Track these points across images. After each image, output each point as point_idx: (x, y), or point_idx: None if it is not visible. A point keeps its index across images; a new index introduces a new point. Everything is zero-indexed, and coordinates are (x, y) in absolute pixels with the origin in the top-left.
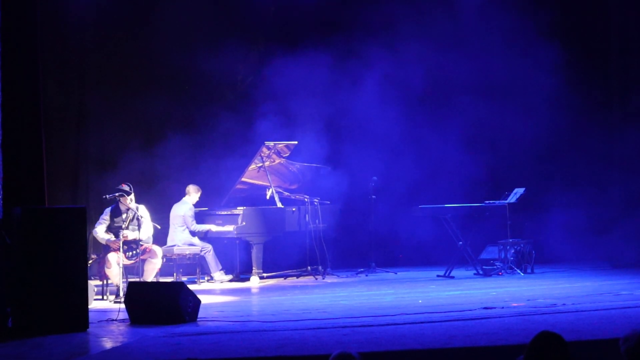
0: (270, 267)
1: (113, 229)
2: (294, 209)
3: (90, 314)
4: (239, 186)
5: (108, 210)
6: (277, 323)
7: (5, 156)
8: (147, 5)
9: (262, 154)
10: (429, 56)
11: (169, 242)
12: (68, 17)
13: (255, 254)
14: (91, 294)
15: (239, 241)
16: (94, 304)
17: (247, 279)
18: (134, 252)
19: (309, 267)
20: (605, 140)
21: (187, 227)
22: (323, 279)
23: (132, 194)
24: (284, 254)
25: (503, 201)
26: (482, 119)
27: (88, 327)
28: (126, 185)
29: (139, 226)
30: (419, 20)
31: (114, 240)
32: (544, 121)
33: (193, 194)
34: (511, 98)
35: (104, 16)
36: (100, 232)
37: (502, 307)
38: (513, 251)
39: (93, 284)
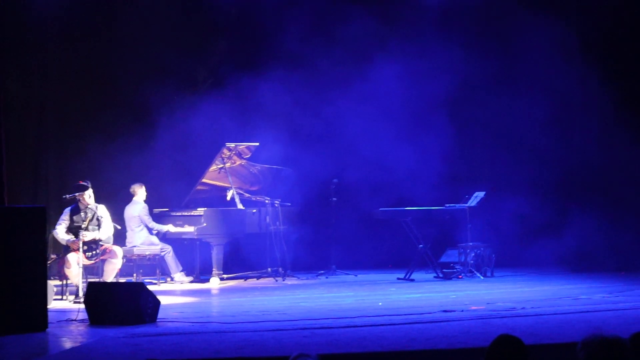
0: (231, 268)
1: (73, 228)
2: (254, 211)
3: (49, 314)
4: (199, 187)
5: (68, 210)
6: (236, 324)
7: None
8: (109, 1)
9: (223, 155)
10: (397, 58)
11: (128, 243)
12: (28, 12)
13: (216, 255)
14: (50, 294)
15: (199, 242)
16: (54, 304)
17: (207, 280)
18: (94, 252)
19: (269, 269)
20: (567, 143)
21: (146, 225)
22: (283, 280)
23: (90, 189)
24: (245, 256)
25: (463, 204)
26: (441, 120)
27: (47, 327)
28: (84, 182)
29: (99, 226)
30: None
31: (74, 241)
32: (510, 125)
33: (139, 191)
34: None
35: (65, 11)
36: (61, 232)
37: (462, 311)
38: (473, 254)
39: (52, 284)
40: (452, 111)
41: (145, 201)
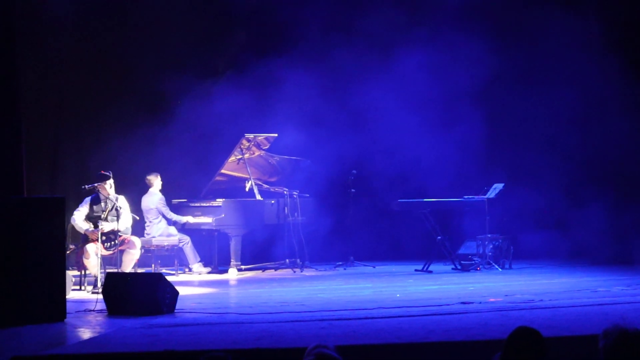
0: (249, 259)
1: (92, 218)
2: (273, 202)
3: (67, 304)
4: (218, 178)
5: (88, 199)
6: (254, 315)
7: None
8: None
9: (242, 146)
10: (419, 50)
11: (147, 235)
12: (46, 5)
13: (234, 246)
14: (69, 284)
15: (218, 233)
16: (72, 295)
17: (225, 271)
18: (113, 242)
19: (287, 260)
20: (583, 139)
21: (164, 217)
22: (301, 272)
23: (112, 180)
24: (263, 247)
25: (482, 196)
26: (458, 114)
27: (65, 318)
28: (105, 172)
29: (118, 217)
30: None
31: (93, 231)
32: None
33: (155, 182)
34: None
35: (83, 4)
36: (79, 219)
37: (480, 302)
38: (491, 246)
39: (71, 274)
40: (472, 103)
41: (162, 191)
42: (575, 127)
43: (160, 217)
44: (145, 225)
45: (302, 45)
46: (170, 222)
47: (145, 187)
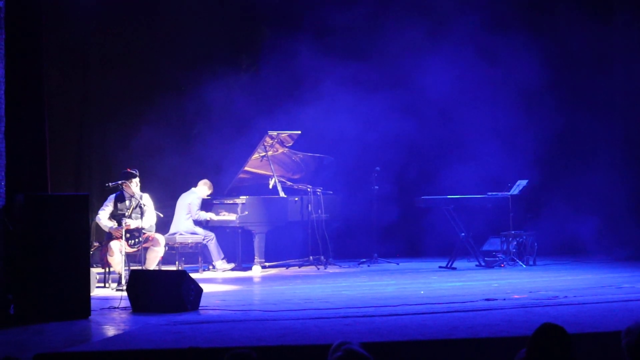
0: (273, 256)
1: (116, 216)
2: (296, 199)
3: (92, 302)
4: (241, 175)
5: (112, 197)
6: (278, 312)
7: (8, 143)
8: None
9: (266, 143)
10: (448, 50)
11: (172, 230)
12: (71, 3)
13: (258, 243)
14: (93, 282)
15: (241, 230)
16: (96, 292)
17: (249, 268)
18: (137, 240)
19: (311, 257)
20: (609, 135)
21: (191, 215)
22: (325, 269)
23: (138, 178)
24: (286, 244)
25: (506, 193)
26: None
27: (90, 315)
28: (132, 170)
29: (142, 214)
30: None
31: (117, 228)
32: (550, 115)
33: (203, 186)
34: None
35: (107, 2)
36: (104, 218)
37: (504, 299)
38: (515, 243)
39: (95, 271)
40: (508, 101)
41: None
42: (599, 119)
43: (190, 215)
44: (174, 218)
45: (327, 41)
46: (195, 222)
47: (171, 185)
